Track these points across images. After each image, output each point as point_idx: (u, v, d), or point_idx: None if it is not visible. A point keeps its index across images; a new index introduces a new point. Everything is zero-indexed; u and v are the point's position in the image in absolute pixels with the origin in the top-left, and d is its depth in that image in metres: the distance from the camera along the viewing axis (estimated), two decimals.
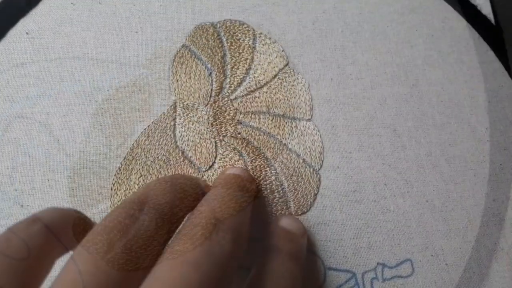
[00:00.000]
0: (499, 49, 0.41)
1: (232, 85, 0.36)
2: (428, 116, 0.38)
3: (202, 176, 0.33)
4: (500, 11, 0.43)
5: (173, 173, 0.33)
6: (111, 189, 0.32)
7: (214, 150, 0.34)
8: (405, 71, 0.39)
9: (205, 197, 0.26)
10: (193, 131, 0.34)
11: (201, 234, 0.22)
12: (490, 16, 0.43)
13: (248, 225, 0.27)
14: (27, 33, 0.36)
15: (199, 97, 0.35)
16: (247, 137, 0.35)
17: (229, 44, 0.38)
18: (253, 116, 0.36)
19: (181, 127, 0.34)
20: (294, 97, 0.37)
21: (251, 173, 0.34)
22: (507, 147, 0.38)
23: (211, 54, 0.37)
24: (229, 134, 0.35)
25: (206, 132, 0.34)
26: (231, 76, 0.37)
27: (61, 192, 0.32)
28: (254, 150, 0.34)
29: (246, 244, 0.26)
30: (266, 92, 0.36)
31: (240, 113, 0.36)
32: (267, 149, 0.35)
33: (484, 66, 0.40)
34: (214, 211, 0.24)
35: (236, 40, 0.38)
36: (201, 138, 0.34)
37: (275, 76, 0.37)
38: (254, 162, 0.34)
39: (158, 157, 0.33)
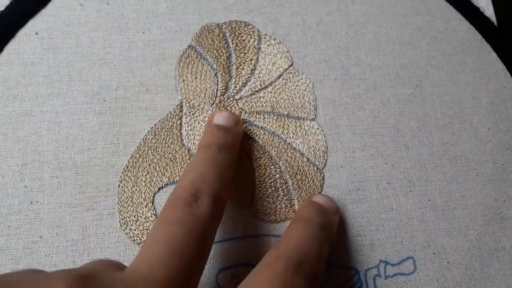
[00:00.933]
0: (501, 50, 0.42)
1: (237, 85, 0.37)
2: (431, 117, 0.38)
3: None
4: (502, 13, 0.43)
5: (178, 171, 0.33)
6: (119, 186, 0.33)
7: None
8: (408, 72, 0.39)
9: (284, 236, 0.27)
10: (199, 130, 0.35)
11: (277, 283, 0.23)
12: (493, 18, 0.43)
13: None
14: (36, 33, 0.37)
15: (204, 96, 0.36)
16: (252, 136, 0.35)
17: (234, 44, 0.38)
18: (257, 115, 0.36)
19: (187, 126, 0.35)
20: (299, 97, 0.37)
21: (256, 171, 0.34)
22: (509, 147, 0.38)
23: (216, 54, 0.38)
24: None
25: None
26: (236, 76, 0.37)
27: (70, 189, 0.32)
28: (259, 149, 0.35)
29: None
30: (270, 92, 0.37)
31: (245, 113, 0.36)
32: (272, 148, 0.35)
33: (486, 67, 0.41)
34: (293, 254, 0.25)
35: (241, 41, 0.38)
36: None
37: (280, 76, 0.38)
38: (259, 161, 0.35)
39: (164, 155, 0.34)
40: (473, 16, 0.43)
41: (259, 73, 0.37)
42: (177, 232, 0.23)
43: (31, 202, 0.32)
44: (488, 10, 0.43)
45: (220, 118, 0.31)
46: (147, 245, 0.23)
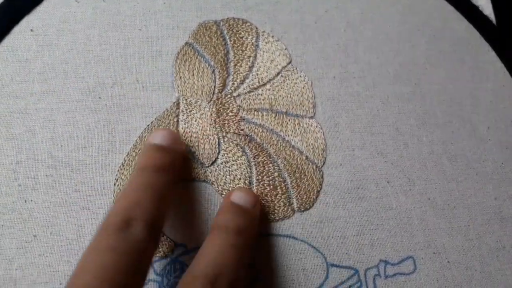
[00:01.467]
0: (500, 49, 0.42)
1: (235, 83, 0.36)
2: (430, 115, 0.38)
3: (205, 172, 0.33)
4: (501, 11, 0.43)
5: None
6: (114, 184, 0.32)
7: (217, 146, 0.34)
8: (407, 70, 0.39)
9: (200, 251, 0.26)
10: (196, 128, 0.34)
11: None
12: (492, 17, 0.43)
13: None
14: (31, 30, 0.36)
15: (202, 94, 0.36)
16: (250, 134, 0.35)
17: (232, 42, 0.38)
18: (256, 113, 0.36)
19: (184, 124, 0.34)
20: (297, 95, 0.37)
21: (254, 169, 0.34)
22: (508, 146, 0.38)
23: (214, 51, 0.37)
24: (232, 131, 0.35)
25: (209, 129, 0.35)
26: (234, 73, 0.37)
27: (65, 187, 0.32)
28: (257, 147, 0.35)
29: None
30: (269, 90, 0.37)
31: (243, 110, 0.36)
32: (270, 145, 0.35)
33: (485, 66, 0.41)
34: (208, 270, 0.24)
35: (239, 38, 0.38)
36: (204, 135, 0.34)
37: (278, 73, 0.37)
38: (257, 159, 0.34)
39: None
40: (472, 14, 0.43)
41: (257, 71, 0.37)
42: (107, 259, 0.22)
43: (25, 201, 0.31)
44: (487, 8, 0.43)
45: (158, 137, 0.30)
46: (75, 275, 0.22)
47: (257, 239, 0.31)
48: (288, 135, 0.35)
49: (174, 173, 0.29)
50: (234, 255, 0.26)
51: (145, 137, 0.34)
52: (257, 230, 0.30)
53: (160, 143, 0.29)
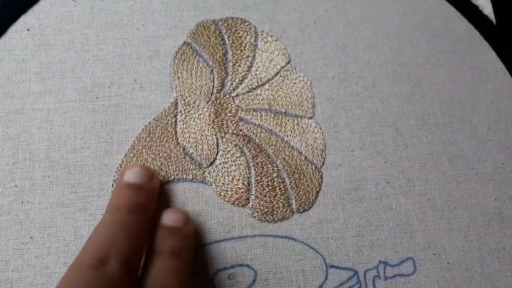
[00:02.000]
0: (500, 49, 0.41)
1: (234, 83, 0.36)
2: (430, 115, 0.38)
3: (204, 173, 0.33)
4: (501, 11, 0.43)
5: (173, 171, 0.33)
6: (112, 185, 0.32)
7: (216, 146, 0.34)
8: (407, 70, 0.39)
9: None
10: (194, 128, 0.34)
11: None
12: (491, 16, 0.43)
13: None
14: (28, 29, 0.36)
15: (200, 94, 0.35)
16: (249, 134, 0.35)
17: (230, 41, 0.37)
18: (254, 113, 0.35)
19: (182, 124, 0.34)
20: (296, 95, 0.36)
21: (253, 170, 0.33)
22: (508, 146, 0.37)
23: (212, 51, 0.37)
24: (230, 131, 0.35)
25: (208, 129, 0.34)
26: (233, 73, 0.36)
27: (62, 189, 0.31)
28: (256, 147, 0.34)
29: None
30: (267, 90, 0.36)
31: (242, 110, 0.35)
32: (269, 146, 0.35)
33: (485, 66, 0.40)
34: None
35: (237, 37, 0.38)
36: (202, 135, 0.34)
37: (277, 73, 0.37)
38: (256, 159, 0.34)
39: (159, 154, 0.33)
40: (472, 14, 0.43)
41: (256, 70, 0.37)
42: None
43: (22, 202, 0.31)
44: (487, 8, 0.43)
45: (131, 175, 0.29)
46: None
47: (193, 258, 0.30)
48: (287, 136, 0.35)
49: (149, 211, 0.28)
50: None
51: (143, 137, 0.33)
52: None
53: (134, 181, 0.29)
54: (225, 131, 0.34)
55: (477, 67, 0.40)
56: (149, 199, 0.28)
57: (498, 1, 0.43)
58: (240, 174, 0.33)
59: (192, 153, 0.33)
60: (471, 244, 0.34)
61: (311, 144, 0.35)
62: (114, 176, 0.32)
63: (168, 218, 0.29)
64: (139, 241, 0.26)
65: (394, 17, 0.41)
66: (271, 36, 0.38)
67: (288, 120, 0.36)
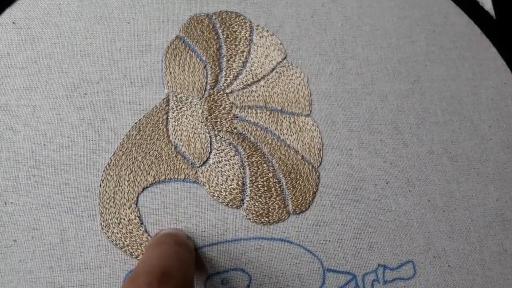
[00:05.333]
0: (501, 45, 0.40)
1: (228, 78, 0.35)
2: (430, 113, 0.37)
3: (196, 172, 0.32)
4: (501, 7, 0.42)
5: (164, 170, 0.31)
6: (100, 185, 0.31)
7: (209, 145, 0.33)
8: (406, 66, 0.38)
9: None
10: (186, 126, 0.33)
11: None
12: (492, 12, 0.42)
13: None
14: (13, 22, 0.35)
15: (193, 90, 0.34)
16: (244, 132, 0.34)
17: (225, 36, 0.36)
18: (249, 110, 0.34)
19: (174, 121, 0.33)
20: (293, 92, 0.35)
21: (247, 169, 0.32)
22: (510, 146, 0.37)
23: (206, 46, 0.36)
24: (224, 129, 0.33)
25: (201, 127, 0.33)
26: (227, 69, 0.35)
27: (47, 189, 0.30)
28: (251, 146, 0.33)
29: None
30: (263, 86, 0.35)
31: (236, 107, 0.34)
32: (264, 144, 0.33)
33: (486, 62, 0.40)
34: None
35: (232, 32, 0.36)
36: (195, 133, 0.33)
37: (273, 69, 0.36)
38: (251, 158, 0.33)
39: (149, 153, 0.32)
40: (472, 10, 0.42)
41: (251, 66, 0.36)
42: None
43: (5, 203, 0.30)
44: (487, 3, 0.42)
45: (168, 230, 0.30)
46: None
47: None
48: (283, 134, 0.34)
49: (192, 254, 0.28)
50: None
51: (132, 135, 0.32)
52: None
53: (172, 232, 0.29)
54: (219, 129, 0.33)
55: (478, 64, 0.39)
56: (188, 247, 0.28)
57: None
58: (234, 174, 0.32)
59: (184, 151, 0.32)
60: (472, 247, 0.33)
61: (308, 143, 0.34)
62: (102, 175, 0.31)
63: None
64: (190, 271, 0.26)
65: (393, 12, 0.40)
66: (267, 30, 0.37)
67: (284, 118, 0.34)
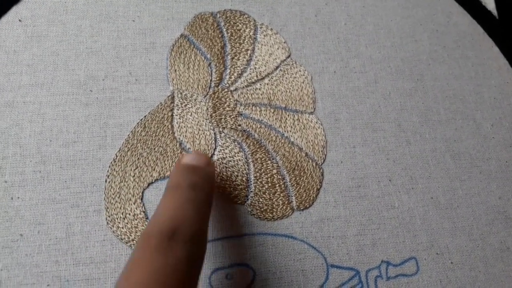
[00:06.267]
0: (504, 45, 0.41)
1: (232, 76, 0.35)
2: (433, 112, 0.37)
3: None
4: (504, 7, 0.42)
5: (169, 166, 0.32)
6: (106, 181, 0.31)
7: (213, 141, 0.33)
8: (409, 65, 0.38)
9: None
10: (191, 122, 0.33)
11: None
12: (495, 12, 0.42)
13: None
14: (20, 20, 0.35)
15: (197, 87, 0.34)
16: (248, 129, 0.34)
17: (229, 34, 0.36)
18: (254, 108, 0.35)
19: (179, 118, 0.33)
20: (297, 90, 0.35)
21: (252, 166, 0.33)
22: None
23: (210, 44, 0.36)
24: (229, 126, 0.34)
25: (205, 124, 0.33)
26: (231, 67, 0.35)
27: (53, 184, 0.30)
28: (255, 143, 0.33)
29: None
30: (267, 84, 0.35)
31: (241, 105, 0.34)
32: (269, 142, 0.34)
33: (489, 62, 0.40)
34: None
35: (236, 30, 0.37)
36: (199, 130, 0.33)
37: (277, 67, 0.36)
38: (255, 155, 0.33)
39: (154, 149, 0.32)
40: (475, 10, 0.42)
41: (255, 64, 0.36)
42: (158, 261, 0.22)
43: (12, 198, 0.30)
44: (490, 4, 0.42)
45: (189, 158, 0.29)
46: (127, 271, 0.22)
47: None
48: (287, 131, 0.34)
49: (208, 192, 0.28)
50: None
51: (138, 131, 0.32)
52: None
53: (192, 163, 0.29)
54: (224, 126, 0.33)
55: (481, 64, 0.40)
56: (206, 181, 0.28)
57: None
58: (239, 170, 0.32)
59: (189, 148, 0.32)
60: (475, 244, 0.33)
61: (311, 140, 0.34)
62: (108, 171, 0.31)
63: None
64: (203, 216, 0.26)
65: (396, 12, 0.40)
66: (271, 29, 0.37)
67: (288, 116, 0.35)
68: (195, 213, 0.25)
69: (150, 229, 0.24)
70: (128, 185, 0.31)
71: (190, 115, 0.33)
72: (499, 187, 0.35)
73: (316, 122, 0.35)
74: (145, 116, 0.33)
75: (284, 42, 0.37)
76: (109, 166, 0.31)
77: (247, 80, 0.35)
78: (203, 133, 0.33)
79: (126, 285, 0.21)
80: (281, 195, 0.32)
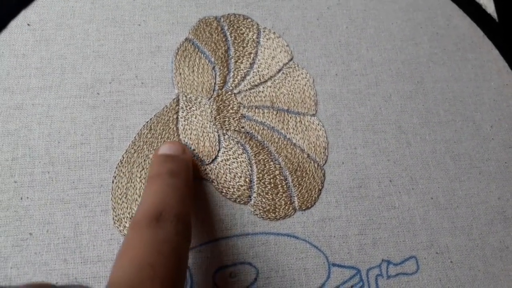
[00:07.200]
0: (503, 47, 0.41)
1: (236, 79, 0.36)
2: (433, 113, 0.37)
3: (205, 170, 0.33)
4: (503, 10, 0.43)
5: None
6: (113, 182, 0.32)
7: (217, 143, 0.34)
8: (410, 68, 0.39)
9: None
10: (196, 125, 0.34)
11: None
12: (494, 15, 0.43)
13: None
14: (28, 24, 0.36)
15: (202, 90, 0.35)
16: (251, 131, 0.34)
17: (233, 38, 0.37)
18: (257, 110, 0.35)
19: (184, 120, 0.34)
20: (299, 92, 0.36)
21: (255, 167, 0.33)
22: None
23: (214, 48, 0.37)
24: (232, 128, 0.34)
25: (209, 126, 0.34)
26: (235, 70, 0.36)
27: (62, 185, 0.31)
28: (258, 144, 0.34)
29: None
30: (270, 87, 0.36)
31: (244, 107, 0.35)
32: (271, 143, 0.34)
33: (488, 64, 0.40)
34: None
35: (240, 34, 0.37)
36: (204, 132, 0.34)
37: (279, 70, 0.37)
38: (258, 156, 0.34)
39: None
40: (475, 13, 0.43)
41: (258, 67, 0.36)
42: (143, 255, 0.22)
43: (21, 198, 0.31)
44: (490, 7, 0.43)
45: (165, 148, 0.30)
46: (122, 251, 0.23)
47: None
48: (290, 133, 0.35)
49: (185, 178, 0.29)
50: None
51: (144, 134, 0.33)
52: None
53: (168, 152, 0.30)
54: (227, 128, 0.34)
55: (480, 66, 0.40)
56: (183, 167, 0.29)
57: (500, 0, 0.43)
58: (242, 171, 0.33)
59: (193, 149, 0.33)
60: (474, 243, 0.34)
61: (313, 142, 0.35)
62: (115, 172, 0.32)
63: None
64: (184, 198, 0.27)
65: (397, 15, 0.41)
66: (274, 33, 0.38)
67: (290, 118, 0.35)
68: (177, 197, 0.26)
69: (137, 216, 0.25)
70: (134, 186, 0.32)
71: (195, 118, 0.34)
72: (498, 188, 0.36)
73: (318, 124, 0.35)
74: (151, 119, 0.34)
75: (287, 46, 0.38)
76: (116, 167, 0.32)
77: (250, 83, 0.36)
78: (207, 135, 0.34)
79: (123, 262, 0.22)
80: (284, 195, 0.33)
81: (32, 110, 0.33)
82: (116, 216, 0.31)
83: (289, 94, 0.36)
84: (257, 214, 0.32)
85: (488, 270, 0.33)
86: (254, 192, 0.33)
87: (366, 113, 0.36)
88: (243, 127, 0.34)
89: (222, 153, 0.33)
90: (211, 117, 0.34)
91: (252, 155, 0.34)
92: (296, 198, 0.33)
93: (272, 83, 0.36)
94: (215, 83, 0.35)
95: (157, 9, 0.38)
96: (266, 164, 0.33)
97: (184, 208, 0.26)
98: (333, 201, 0.33)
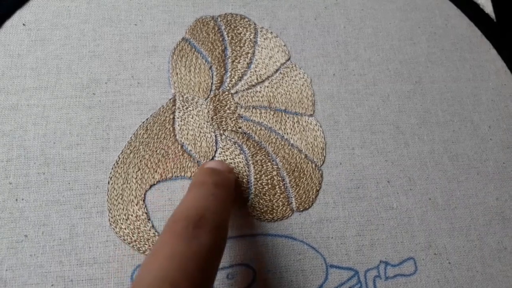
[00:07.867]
0: (501, 47, 0.41)
1: (233, 79, 0.36)
2: (431, 114, 0.37)
3: (246, 191, 0.32)
4: (501, 10, 0.43)
5: (171, 168, 0.32)
6: (108, 183, 0.31)
7: (214, 144, 0.33)
8: (408, 68, 0.39)
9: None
10: (192, 125, 0.34)
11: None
12: (493, 15, 0.42)
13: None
14: (23, 24, 0.36)
15: (199, 90, 0.35)
16: (248, 132, 0.34)
17: (230, 38, 0.37)
18: (254, 110, 0.35)
19: (181, 121, 0.34)
20: (296, 92, 0.36)
21: (252, 168, 0.33)
22: (510, 146, 0.37)
23: (211, 47, 0.36)
24: (229, 128, 0.34)
25: (206, 126, 0.34)
26: (232, 70, 0.36)
27: (57, 186, 0.31)
28: (255, 145, 0.34)
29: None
30: (267, 87, 0.36)
31: (241, 107, 0.35)
32: (269, 144, 0.34)
33: (486, 64, 0.40)
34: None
35: (237, 34, 0.37)
36: (200, 132, 0.33)
37: (277, 70, 0.36)
38: (255, 157, 0.33)
39: (156, 151, 0.33)
40: (473, 12, 0.42)
41: (256, 67, 0.36)
42: (180, 248, 0.22)
43: (16, 200, 0.30)
44: (487, 6, 0.43)
45: (213, 163, 0.31)
46: (150, 257, 0.23)
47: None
48: (287, 133, 0.35)
49: (229, 192, 0.29)
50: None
51: (140, 134, 0.33)
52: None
53: (215, 166, 0.30)
54: (224, 128, 0.34)
55: (478, 66, 0.40)
56: (228, 183, 0.29)
57: (498, 0, 0.43)
58: (239, 172, 0.33)
59: (190, 150, 0.33)
60: (473, 244, 0.33)
61: (311, 142, 0.34)
62: (111, 173, 0.32)
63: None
64: (226, 212, 0.27)
65: (395, 15, 0.41)
66: (271, 32, 0.38)
67: (288, 118, 0.35)
68: (219, 205, 0.26)
69: (177, 215, 0.25)
70: (130, 186, 0.31)
71: (192, 118, 0.34)
72: (496, 188, 0.36)
73: (316, 124, 0.35)
74: (147, 119, 0.33)
75: (284, 45, 0.37)
76: (112, 168, 0.32)
77: (247, 83, 0.36)
78: (204, 136, 0.33)
79: (147, 271, 0.22)
80: (281, 196, 0.33)
81: (27, 110, 0.33)
82: (112, 217, 0.31)
83: (286, 94, 0.36)
84: (254, 216, 0.32)
85: (486, 271, 0.33)
86: (251, 193, 0.32)
87: (364, 113, 0.36)
88: (240, 128, 0.34)
89: (219, 154, 0.33)
90: (208, 117, 0.34)
91: (249, 156, 0.33)
92: (293, 199, 0.33)
93: (269, 83, 0.36)
94: (212, 83, 0.35)
95: (154, 9, 0.37)
96: (264, 165, 0.33)
97: (225, 217, 0.26)
98: (331, 202, 0.33)
